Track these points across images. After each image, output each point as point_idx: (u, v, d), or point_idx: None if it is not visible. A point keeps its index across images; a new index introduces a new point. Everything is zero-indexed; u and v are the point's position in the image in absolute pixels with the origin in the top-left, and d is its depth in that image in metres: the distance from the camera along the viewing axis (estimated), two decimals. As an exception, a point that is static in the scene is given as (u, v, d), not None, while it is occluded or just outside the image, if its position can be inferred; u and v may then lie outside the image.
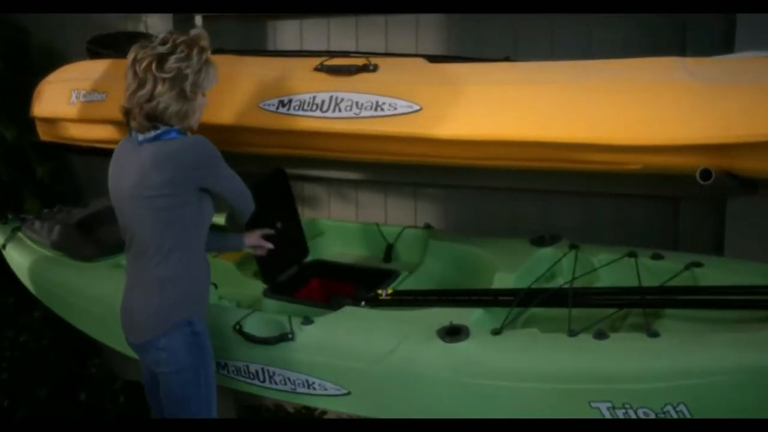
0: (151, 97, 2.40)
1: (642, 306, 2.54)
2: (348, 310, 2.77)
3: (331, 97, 2.79)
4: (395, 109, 2.66)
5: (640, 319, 2.50)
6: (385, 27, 3.60)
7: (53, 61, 4.00)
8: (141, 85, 2.40)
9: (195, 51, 2.46)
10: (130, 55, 2.43)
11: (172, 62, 2.39)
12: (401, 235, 3.42)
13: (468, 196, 3.64)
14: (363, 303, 2.83)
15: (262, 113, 2.91)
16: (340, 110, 2.76)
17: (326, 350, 2.64)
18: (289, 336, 2.69)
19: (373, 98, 2.72)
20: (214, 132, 2.75)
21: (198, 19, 4.02)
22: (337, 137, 2.82)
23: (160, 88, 2.40)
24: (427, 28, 3.54)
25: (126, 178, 2.47)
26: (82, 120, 3.49)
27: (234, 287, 3.26)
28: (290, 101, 2.86)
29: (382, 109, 2.68)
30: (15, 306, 4.19)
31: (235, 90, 2.98)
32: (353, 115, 2.74)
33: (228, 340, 2.77)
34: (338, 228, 3.60)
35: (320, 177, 3.83)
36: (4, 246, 3.68)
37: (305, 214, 3.87)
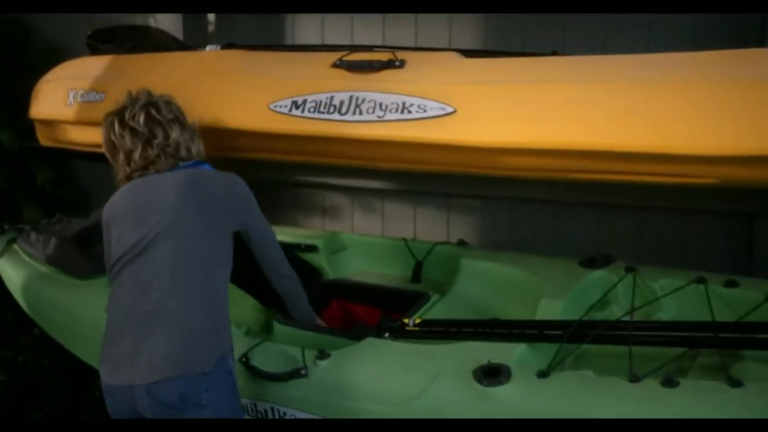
0: (167, 139, 2.34)
1: (717, 346, 2.16)
2: (370, 343, 2.45)
3: (351, 98, 2.50)
4: (425, 111, 2.37)
5: (715, 359, 2.16)
6: (415, 19, 3.27)
7: (56, 59, 3.69)
8: (152, 134, 2.33)
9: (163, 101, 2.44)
10: (115, 122, 2.35)
11: (163, 107, 2.37)
12: (432, 252, 3.10)
13: (508, 208, 3.32)
14: (387, 334, 2.50)
15: (273, 116, 2.62)
16: (361, 112, 2.46)
17: (344, 390, 2.34)
18: (303, 372, 2.38)
19: (400, 99, 2.43)
20: (218, 136, 2.55)
21: (211, 15, 3.70)
22: (357, 143, 2.53)
23: (173, 129, 2.36)
24: (462, 19, 3.22)
25: (160, 191, 2.29)
26: (79, 122, 3.23)
27: (242, 309, 2.96)
28: (304, 102, 2.57)
29: (410, 112, 2.38)
30: (15, 323, 3.88)
31: (243, 90, 2.71)
32: (376, 119, 2.44)
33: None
34: (362, 243, 3.30)
35: (342, 186, 3.55)
36: None
37: (326, 226, 3.62)
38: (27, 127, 3.65)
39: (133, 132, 2.29)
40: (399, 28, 3.38)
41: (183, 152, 2.33)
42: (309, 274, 3.07)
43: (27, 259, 3.31)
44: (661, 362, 2.10)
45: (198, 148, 2.38)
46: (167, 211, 2.21)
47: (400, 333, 2.52)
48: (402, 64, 2.55)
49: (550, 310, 2.51)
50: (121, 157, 2.32)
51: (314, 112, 2.54)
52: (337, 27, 3.53)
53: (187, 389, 2.10)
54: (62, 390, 3.86)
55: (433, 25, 3.34)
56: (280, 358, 2.47)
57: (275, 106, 2.62)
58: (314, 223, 3.67)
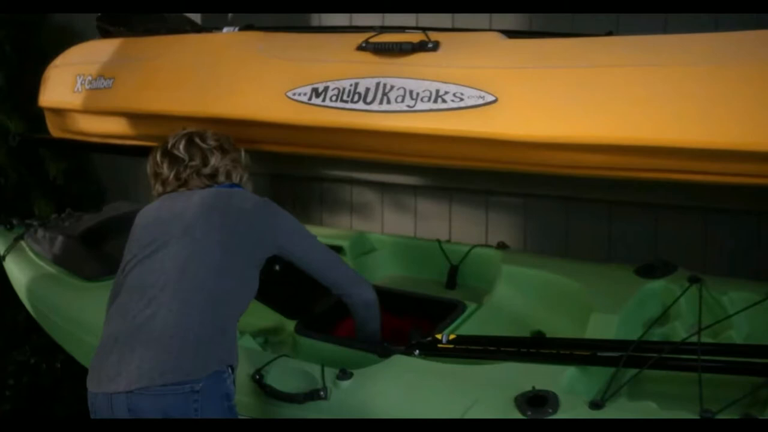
0: (205, 164, 2.28)
1: (804, 376, 1.86)
2: (398, 362, 2.23)
3: (378, 85, 2.29)
4: (461, 100, 2.16)
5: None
6: (452, -4, 2.98)
7: (70, 42, 3.50)
8: (190, 159, 2.27)
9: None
10: (158, 152, 2.31)
11: (209, 137, 2.31)
12: (468, 256, 2.90)
13: (554, 208, 3.09)
14: (417, 352, 2.28)
15: (291, 105, 2.43)
16: (389, 101, 2.27)
17: (367, 416, 2.13)
18: (321, 394, 2.18)
19: (433, 86, 2.22)
20: (231, 127, 2.39)
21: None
22: (385, 136, 2.33)
23: (214, 155, 2.29)
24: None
25: (185, 201, 2.24)
26: (87, 111, 3.07)
27: (259, 317, 2.78)
28: (326, 90, 2.37)
29: (445, 101, 2.18)
30: (27, 322, 3.70)
31: (257, 75, 2.52)
32: (406, 108, 2.24)
33: (244, 391, 2.27)
34: (392, 244, 3.09)
35: (371, 181, 3.38)
36: (3, 257, 3.26)
37: (353, 224, 3.47)
38: (39, 116, 3.50)
39: (173, 159, 2.27)
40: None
41: (221, 178, 2.28)
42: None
43: (34, 257, 3.16)
44: (735, 392, 1.86)
45: (240, 176, 2.33)
46: (186, 216, 2.15)
47: (432, 350, 2.30)
48: (436, 46, 2.31)
49: (603, 326, 2.28)
50: (159, 184, 2.30)
51: (336, 100, 2.35)
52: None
53: (172, 406, 1.90)
54: (77, 393, 3.67)
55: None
56: (298, 377, 2.27)
57: (293, 94, 2.43)
58: (341, 221, 3.53)
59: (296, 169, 3.32)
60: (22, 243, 3.24)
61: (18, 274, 3.13)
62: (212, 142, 2.28)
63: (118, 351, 1.98)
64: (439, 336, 2.34)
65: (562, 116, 2.07)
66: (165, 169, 2.27)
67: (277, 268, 2.75)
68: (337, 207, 3.55)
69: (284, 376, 2.28)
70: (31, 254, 3.17)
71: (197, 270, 2.06)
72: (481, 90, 2.16)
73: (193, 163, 2.25)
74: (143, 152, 2.39)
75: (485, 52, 2.28)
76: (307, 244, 2.29)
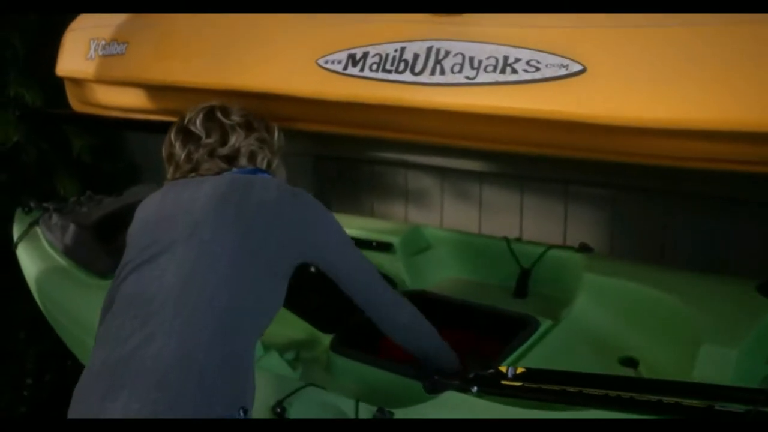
0: (224, 143, 1.96)
1: None
2: (450, 401, 1.90)
3: (430, 50, 1.93)
4: (537, 70, 1.79)
5: None
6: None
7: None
8: (207, 134, 1.96)
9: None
10: (173, 129, 2.00)
11: (234, 112, 1.99)
12: (543, 259, 2.60)
13: (650, 202, 2.72)
14: (475, 389, 1.93)
15: (323, 75, 2.10)
16: (443, 71, 1.91)
17: None
18: None
19: (500, 51, 1.85)
20: (254, 101, 2.11)
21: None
22: (438, 116, 1.97)
23: (235, 132, 1.96)
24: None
25: (193, 192, 1.89)
26: (100, 80, 2.82)
27: (291, 327, 2.52)
28: (365, 56, 2.02)
29: (515, 71, 1.81)
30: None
31: (283, 40, 2.19)
32: (465, 81, 1.87)
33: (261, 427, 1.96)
34: (452, 241, 2.79)
35: (430, 165, 3.07)
36: (16, 245, 3.04)
37: (408, 215, 3.17)
38: (60, 85, 3.26)
39: (188, 136, 1.95)
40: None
41: (243, 160, 1.95)
42: None
43: (46, 246, 2.93)
44: None
45: (268, 160, 2.00)
46: (194, 211, 1.82)
47: (494, 387, 1.95)
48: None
49: (716, 363, 1.93)
50: (173, 168, 1.99)
51: (378, 70, 2.00)
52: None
53: None
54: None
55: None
56: (326, 412, 2.00)
57: (325, 62, 2.08)
58: (393, 210, 3.25)
59: (343, 150, 3.04)
60: (37, 229, 3.03)
61: (28, 265, 2.91)
62: (236, 118, 1.96)
63: (103, 382, 1.63)
64: (503, 369, 1.98)
65: (676, 92, 1.65)
66: (178, 149, 1.96)
67: (313, 270, 2.53)
68: (390, 194, 3.27)
69: (310, 410, 2.02)
70: (44, 243, 2.95)
71: (204, 282, 1.70)
72: (563, 57, 1.77)
73: (209, 140, 1.93)
74: (162, 129, 2.13)
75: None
76: (349, 256, 1.94)
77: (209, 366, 1.63)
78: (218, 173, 1.91)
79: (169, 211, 1.85)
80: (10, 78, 3.40)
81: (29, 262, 2.89)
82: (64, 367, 3.62)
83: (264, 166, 1.98)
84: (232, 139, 1.93)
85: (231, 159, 1.94)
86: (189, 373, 1.61)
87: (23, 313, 3.47)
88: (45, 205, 3.08)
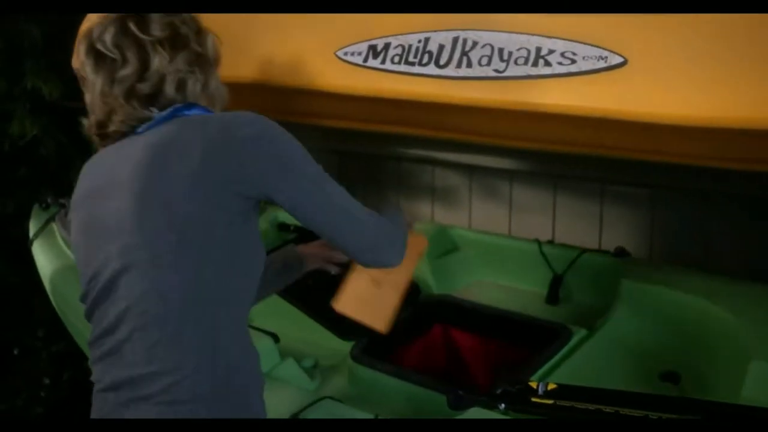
0: (143, 74, 1.47)
1: None
2: (475, 417, 1.79)
3: (456, 41, 1.79)
4: (573, 62, 1.64)
5: None
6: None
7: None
8: (116, 65, 1.47)
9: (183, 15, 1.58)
10: (81, 45, 1.50)
11: (157, 17, 1.51)
12: (577, 263, 2.50)
13: (691, 204, 2.57)
14: (502, 405, 1.81)
15: (342, 68, 1.97)
16: (470, 64, 1.76)
17: None
18: None
19: (532, 42, 1.70)
20: (269, 95, 2.02)
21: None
22: (464, 112, 1.83)
23: (158, 53, 1.48)
24: None
25: (116, 185, 1.45)
26: None
27: (308, 334, 2.44)
28: (386, 47, 1.89)
29: (549, 63, 1.66)
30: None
31: (298, 30, 2.06)
32: (494, 74, 1.73)
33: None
34: (481, 243, 2.70)
35: (458, 163, 2.95)
36: (31, 241, 2.98)
37: (435, 214, 3.05)
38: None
39: (98, 58, 1.46)
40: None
41: (169, 91, 1.48)
42: None
43: (61, 244, 2.87)
44: None
45: (199, 84, 1.52)
46: (123, 220, 1.42)
47: (523, 404, 1.83)
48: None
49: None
50: (88, 101, 1.51)
51: (400, 62, 1.86)
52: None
53: None
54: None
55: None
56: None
57: (344, 54, 1.95)
58: (420, 209, 3.13)
59: (367, 146, 2.92)
60: (53, 225, 2.97)
61: (43, 262, 2.84)
62: (158, 32, 1.47)
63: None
64: (533, 384, 1.87)
65: (727, 88, 1.50)
66: (89, 75, 1.48)
67: (333, 273, 2.42)
68: (416, 193, 3.17)
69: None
70: (59, 240, 2.88)
71: (166, 317, 1.39)
72: (602, 48, 1.63)
73: (125, 71, 1.44)
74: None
75: None
76: (307, 187, 1.44)
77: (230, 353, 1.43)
78: (140, 123, 1.47)
79: (96, 218, 1.46)
80: (27, 69, 3.32)
81: (44, 259, 2.82)
82: (82, 368, 3.57)
83: (196, 93, 1.52)
84: (155, 62, 1.47)
85: (154, 93, 1.48)
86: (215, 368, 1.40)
87: (42, 311, 3.43)
88: (61, 201, 3.00)
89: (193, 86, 1.49)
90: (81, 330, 2.58)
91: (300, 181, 1.42)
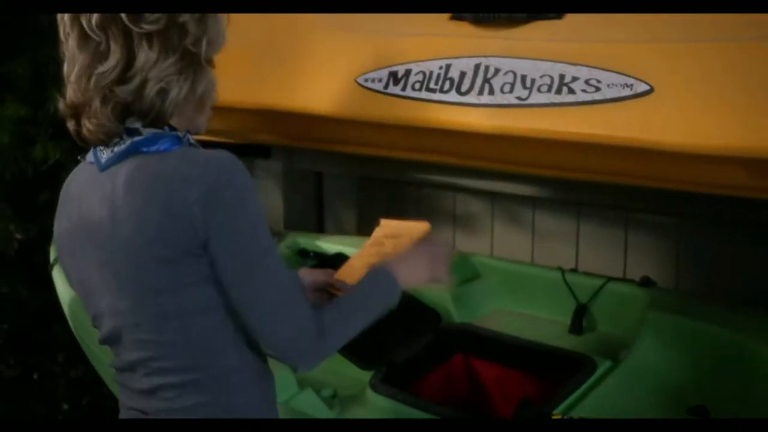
0: (125, 73, 1.31)
1: None
2: None
3: (478, 67, 1.76)
4: (597, 90, 1.62)
5: None
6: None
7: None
8: (99, 53, 1.31)
9: None
10: (65, 17, 1.36)
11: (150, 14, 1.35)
12: (601, 293, 2.41)
13: (719, 234, 2.50)
14: None
15: (363, 95, 1.95)
16: (492, 91, 1.75)
17: None
18: None
19: (556, 69, 1.69)
20: (289, 122, 2.02)
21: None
22: (486, 140, 1.81)
23: (144, 51, 1.31)
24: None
25: (91, 234, 1.38)
26: None
27: (326, 361, 2.30)
28: (407, 74, 1.87)
29: (572, 91, 1.64)
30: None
31: (320, 55, 2.04)
32: (517, 102, 1.71)
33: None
34: (501, 271, 2.64)
35: (479, 189, 2.89)
36: (52, 266, 2.96)
37: (456, 242, 2.99)
38: None
39: (81, 35, 1.31)
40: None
41: (147, 98, 1.31)
42: (422, 315, 2.50)
43: None
44: None
45: (185, 90, 1.35)
46: (104, 278, 1.37)
47: None
48: (560, 12, 1.75)
49: None
50: (66, 73, 1.38)
51: (421, 89, 1.84)
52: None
53: None
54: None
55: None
56: None
57: (365, 80, 1.94)
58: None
59: (387, 171, 2.86)
60: None
61: (62, 288, 2.81)
62: (152, 24, 1.30)
63: None
64: (557, 417, 1.86)
65: (755, 116, 1.46)
66: (69, 53, 1.33)
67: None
68: (437, 219, 3.10)
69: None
70: None
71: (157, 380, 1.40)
72: (627, 75, 1.59)
73: (107, 64, 1.28)
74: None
75: (636, 18, 1.68)
76: (244, 253, 1.32)
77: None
78: (107, 138, 1.32)
79: (85, 258, 1.39)
80: (51, 94, 3.34)
81: (63, 284, 2.78)
82: (101, 393, 3.55)
83: (178, 101, 1.33)
84: (141, 56, 1.31)
85: (129, 106, 1.31)
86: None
87: (63, 336, 3.44)
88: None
89: (177, 94, 1.33)
90: (99, 356, 2.56)
91: (238, 248, 1.30)
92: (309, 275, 1.72)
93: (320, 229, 3.24)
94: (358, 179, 3.07)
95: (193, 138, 1.38)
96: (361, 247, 1.77)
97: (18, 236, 3.36)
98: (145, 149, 1.31)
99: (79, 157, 1.45)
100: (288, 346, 1.34)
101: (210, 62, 1.40)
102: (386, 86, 1.89)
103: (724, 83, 1.50)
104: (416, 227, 1.74)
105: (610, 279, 2.46)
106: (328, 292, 1.77)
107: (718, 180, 1.66)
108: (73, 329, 2.75)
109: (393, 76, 1.88)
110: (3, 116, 3.19)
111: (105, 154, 1.34)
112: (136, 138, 1.31)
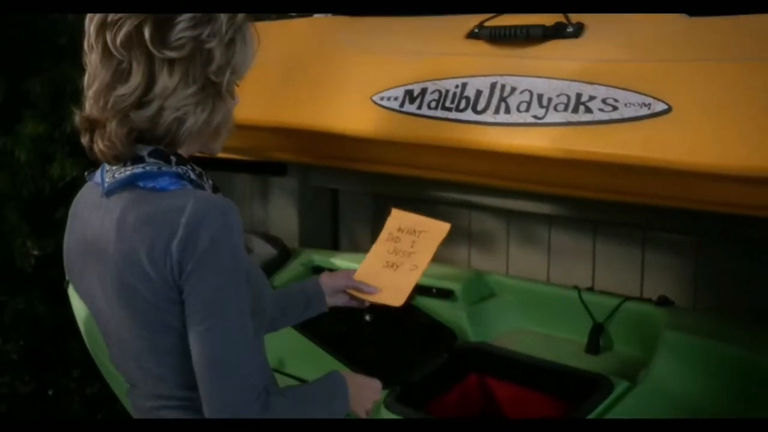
0: (144, 98, 1.27)
1: None
2: None
3: (494, 86, 1.72)
4: (615, 109, 1.56)
5: None
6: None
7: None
8: (120, 72, 1.27)
9: None
10: (93, 15, 1.31)
11: (180, 28, 1.28)
12: (618, 312, 2.37)
13: (737, 253, 2.43)
14: None
15: (378, 113, 1.90)
16: (508, 110, 1.69)
17: None
18: None
19: (572, 87, 1.63)
20: (303, 140, 1.99)
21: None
22: (502, 158, 1.76)
23: (164, 78, 1.27)
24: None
25: (94, 258, 1.37)
26: None
27: None
28: (423, 93, 1.82)
29: (590, 110, 1.59)
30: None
31: (335, 73, 2.00)
32: (533, 120, 1.66)
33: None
34: (517, 290, 2.60)
35: (495, 207, 2.82)
36: (67, 283, 2.94)
37: (471, 260, 2.93)
38: None
39: (105, 52, 1.28)
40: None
41: (162, 125, 1.28)
42: (437, 334, 2.45)
43: None
44: None
45: (201, 120, 1.31)
46: (110, 309, 1.37)
47: None
48: (578, 30, 1.70)
49: None
50: (86, 84, 1.34)
51: (437, 107, 1.79)
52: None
53: None
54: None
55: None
56: None
57: (380, 99, 1.89)
58: (455, 253, 3.01)
59: (403, 189, 2.79)
60: None
61: (77, 304, 2.80)
62: (178, 41, 1.25)
63: None
64: None
65: None
66: (92, 62, 1.29)
67: (368, 318, 2.39)
68: (453, 237, 2.98)
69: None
70: None
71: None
72: (645, 94, 1.54)
73: (127, 86, 1.25)
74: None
75: (653, 37, 1.65)
76: (214, 305, 1.27)
77: None
78: (118, 162, 1.30)
79: (89, 298, 1.42)
80: (68, 113, 3.34)
81: (78, 300, 2.71)
82: (115, 410, 3.52)
83: (192, 131, 1.30)
84: (160, 81, 1.26)
85: (144, 133, 1.28)
86: None
87: (78, 352, 3.41)
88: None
89: (192, 125, 1.30)
90: (113, 373, 2.60)
91: (201, 303, 1.25)
92: (328, 280, 1.72)
93: (335, 246, 3.19)
94: (373, 196, 3.03)
95: (194, 173, 1.34)
96: (377, 241, 1.71)
97: (35, 252, 3.35)
98: (141, 184, 1.29)
99: (86, 174, 1.43)
100: (225, 412, 1.27)
101: (231, 93, 1.36)
102: (402, 105, 1.85)
103: (743, 102, 1.46)
104: (437, 227, 1.68)
105: (627, 298, 2.41)
106: (348, 294, 1.76)
107: (737, 200, 1.61)
108: (87, 345, 2.76)
109: (409, 94, 1.84)
110: (22, 134, 3.20)
111: (108, 177, 1.32)
112: (137, 169, 1.29)
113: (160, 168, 1.29)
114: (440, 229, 1.68)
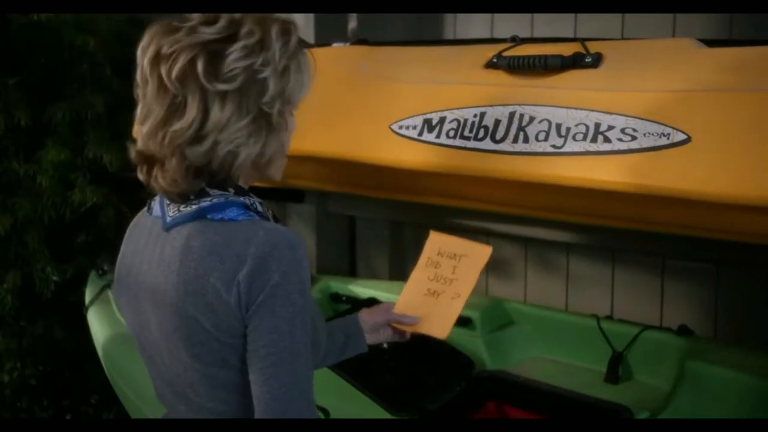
0: (199, 133, 1.25)
1: None
2: None
3: (513, 115, 1.71)
4: (634, 139, 1.56)
5: None
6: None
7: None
8: (175, 107, 1.25)
9: (273, 33, 1.28)
10: (146, 48, 1.28)
11: (233, 59, 1.25)
12: (637, 341, 2.35)
13: (760, 280, 2.41)
14: None
15: (396, 142, 1.90)
16: (527, 139, 1.69)
17: None
18: None
19: (591, 117, 1.62)
20: (323, 167, 1.99)
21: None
22: (521, 188, 1.75)
23: (217, 112, 1.24)
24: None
25: (148, 291, 1.35)
26: None
27: (359, 407, 2.30)
28: (441, 122, 1.81)
29: (608, 140, 1.58)
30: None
31: (355, 101, 2.01)
32: (552, 150, 1.65)
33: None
34: (536, 317, 2.58)
35: (513, 235, 2.82)
36: (87, 308, 2.98)
37: (489, 287, 2.93)
38: None
39: (160, 87, 1.26)
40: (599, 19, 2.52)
41: (217, 160, 1.26)
42: (455, 362, 2.41)
43: (116, 312, 2.83)
44: None
45: (254, 154, 1.29)
46: (165, 341, 1.35)
47: None
48: (597, 60, 1.69)
49: None
50: (140, 118, 1.31)
51: (455, 137, 1.78)
52: (511, 22, 2.73)
53: None
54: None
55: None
56: None
57: (399, 127, 1.88)
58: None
59: (420, 216, 2.79)
60: (109, 293, 2.94)
61: (97, 330, 2.82)
62: (226, 83, 1.23)
63: None
64: None
65: None
66: (148, 95, 1.26)
67: (386, 345, 2.34)
68: None
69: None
70: (114, 307, 2.84)
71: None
72: (664, 124, 1.53)
73: (183, 121, 1.23)
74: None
75: (672, 68, 1.64)
76: (281, 341, 1.24)
77: None
78: (179, 200, 1.29)
79: (142, 325, 1.36)
80: (90, 139, 3.37)
81: (98, 326, 2.80)
82: (133, 435, 3.52)
83: (246, 166, 1.28)
84: (214, 113, 1.24)
85: (202, 169, 1.27)
86: None
87: (96, 377, 3.40)
88: (118, 268, 3.04)
89: (245, 158, 1.27)
90: (131, 398, 2.57)
91: (270, 339, 1.22)
92: (368, 317, 1.66)
93: (353, 273, 3.19)
94: (391, 223, 3.03)
95: (260, 205, 1.32)
96: (416, 268, 1.63)
97: (54, 278, 3.36)
98: (209, 216, 1.27)
99: (147, 207, 1.39)
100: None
101: (285, 123, 1.32)
102: (420, 133, 1.84)
103: (763, 132, 1.45)
104: (479, 250, 1.59)
105: (646, 327, 2.38)
106: (392, 329, 1.68)
107: (755, 229, 1.58)
108: (106, 371, 2.74)
109: (427, 123, 1.83)
110: (44, 160, 3.22)
111: (171, 211, 1.30)
112: (204, 203, 1.27)
113: (228, 199, 1.27)
114: (483, 252, 1.59)
